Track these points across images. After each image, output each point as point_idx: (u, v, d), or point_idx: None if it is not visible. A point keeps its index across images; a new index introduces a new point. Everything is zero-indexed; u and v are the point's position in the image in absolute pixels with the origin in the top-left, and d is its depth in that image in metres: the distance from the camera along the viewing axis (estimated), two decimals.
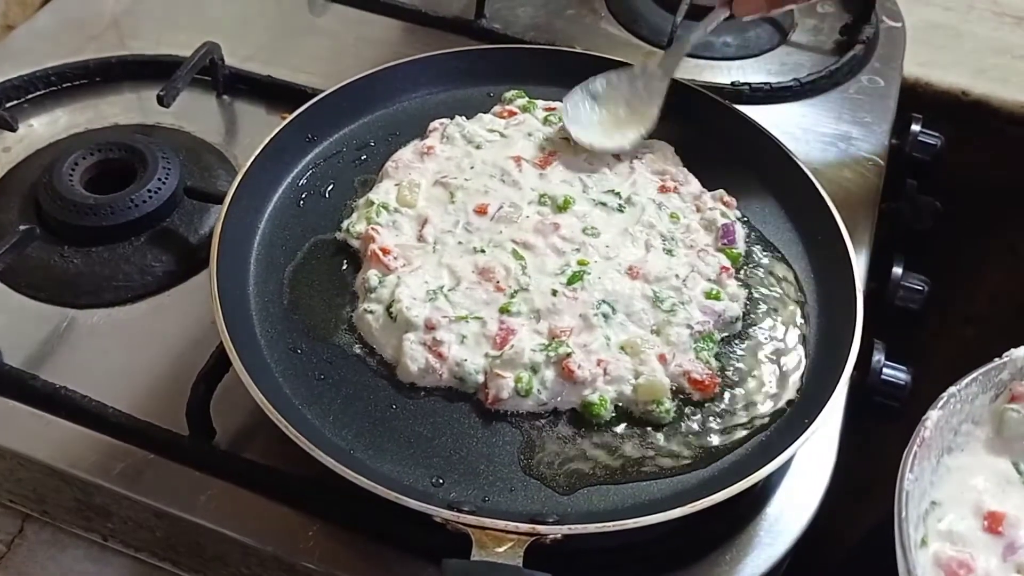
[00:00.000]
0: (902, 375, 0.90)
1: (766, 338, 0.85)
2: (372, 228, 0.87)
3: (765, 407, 0.80)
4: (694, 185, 0.96)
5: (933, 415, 0.71)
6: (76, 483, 0.78)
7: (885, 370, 0.89)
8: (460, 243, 0.87)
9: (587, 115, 0.99)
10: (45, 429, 0.80)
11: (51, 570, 0.81)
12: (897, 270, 1.01)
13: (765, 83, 1.16)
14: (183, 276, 0.93)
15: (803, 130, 1.14)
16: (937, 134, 1.18)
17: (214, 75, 1.10)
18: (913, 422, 0.88)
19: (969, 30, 1.41)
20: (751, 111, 1.05)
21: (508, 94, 1.04)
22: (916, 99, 1.29)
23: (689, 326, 0.82)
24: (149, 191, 0.94)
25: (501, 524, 0.66)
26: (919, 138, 1.17)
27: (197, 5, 1.27)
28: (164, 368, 0.85)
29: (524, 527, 0.66)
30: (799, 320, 0.87)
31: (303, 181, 0.96)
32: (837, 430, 0.84)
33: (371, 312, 0.82)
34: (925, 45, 1.34)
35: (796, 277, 0.90)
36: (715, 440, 0.78)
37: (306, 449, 0.70)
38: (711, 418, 0.79)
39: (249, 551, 0.75)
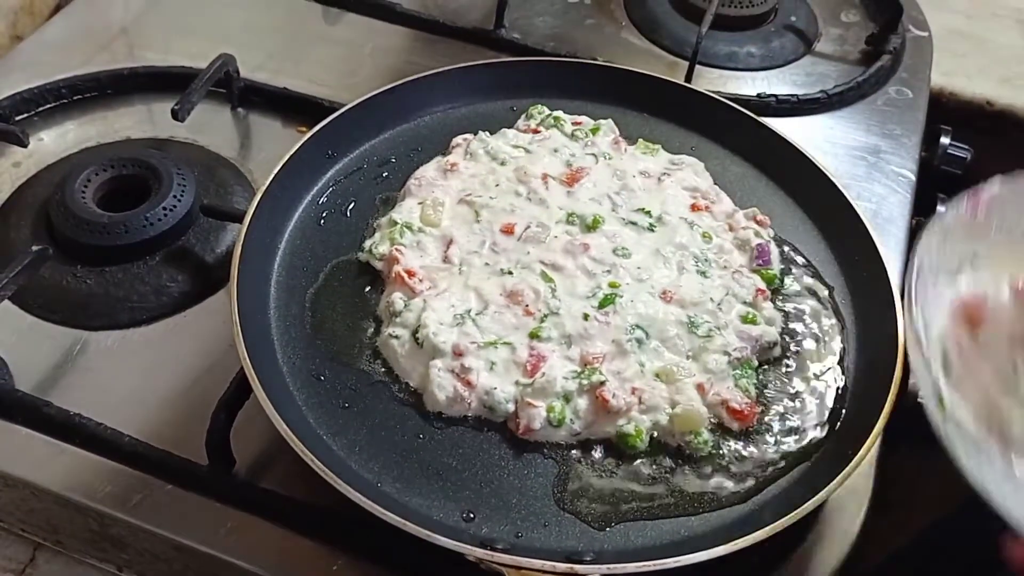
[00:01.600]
0: None
1: (804, 364, 0.83)
2: (396, 249, 0.85)
3: (806, 437, 0.78)
4: (726, 203, 0.94)
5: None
6: (91, 514, 0.76)
7: None
8: (487, 264, 0.85)
9: None
10: (58, 458, 0.78)
11: None
12: None
13: (792, 95, 1.14)
14: (199, 296, 0.90)
15: (831, 143, 1.12)
16: (967, 147, 1.16)
17: (229, 87, 1.08)
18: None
19: (993, 38, 1.38)
20: (778, 123, 1.03)
21: (533, 109, 1.02)
22: (940, 109, 1.27)
23: (727, 353, 0.80)
24: (164, 209, 0.92)
25: (538, 564, 0.64)
26: (949, 151, 1.14)
27: (207, 14, 1.25)
28: (181, 393, 0.83)
29: (561, 567, 0.64)
30: (838, 343, 0.84)
31: (323, 199, 0.94)
32: (874, 457, 0.81)
33: (396, 337, 0.80)
34: (948, 54, 1.32)
35: (833, 298, 0.88)
36: (755, 471, 0.75)
37: (333, 483, 0.67)
38: (749, 449, 0.77)
39: None
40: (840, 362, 0.83)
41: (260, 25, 1.24)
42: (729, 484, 0.74)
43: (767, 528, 0.67)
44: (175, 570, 0.77)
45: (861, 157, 1.10)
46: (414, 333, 0.79)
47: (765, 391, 0.80)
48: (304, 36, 1.23)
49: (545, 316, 0.81)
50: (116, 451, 0.77)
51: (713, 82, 1.17)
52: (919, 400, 0.78)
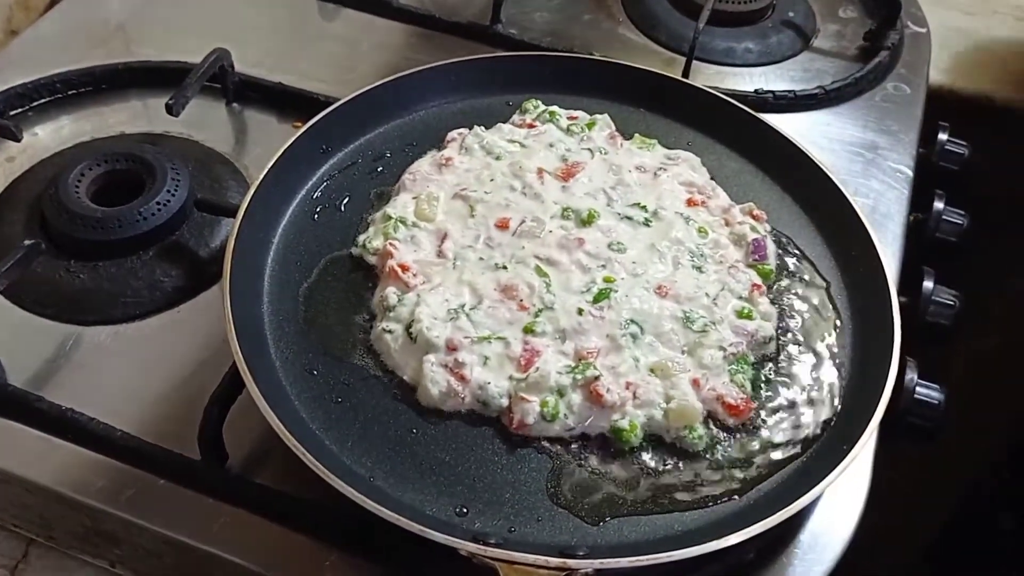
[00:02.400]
0: (935, 394, 0.87)
1: (800, 358, 0.82)
2: (390, 244, 0.85)
3: (801, 431, 0.78)
4: (722, 198, 0.93)
5: None
6: (83, 509, 0.76)
7: (918, 389, 0.86)
8: (481, 259, 0.85)
9: None
10: (51, 453, 0.77)
11: None
12: (928, 284, 0.98)
13: (789, 91, 1.13)
14: (193, 292, 0.90)
15: (828, 139, 1.11)
16: (964, 143, 1.15)
17: (224, 82, 1.08)
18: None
19: (992, 35, 1.38)
20: (775, 119, 1.02)
21: (527, 103, 1.02)
22: (939, 105, 1.26)
23: (722, 348, 0.79)
24: (158, 203, 0.92)
25: (531, 558, 0.64)
26: (946, 147, 1.14)
27: (204, 10, 1.25)
28: (174, 388, 0.83)
29: (554, 561, 0.64)
30: (833, 339, 0.84)
31: (317, 194, 0.93)
32: (871, 453, 0.81)
33: (390, 332, 0.79)
34: (947, 50, 1.32)
35: (829, 293, 0.87)
36: (749, 467, 0.75)
37: (325, 478, 0.67)
38: (745, 444, 0.76)
39: None
40: (836, 357, 0.83)
41: (258, 21, 1.24)
42: (724, 479, 0.74)
43: (761, 523, 0.67)
44: (167, 565, 0.77)
45: (858, 153, 1.10)
46: (407, 328, 0.79)
47: (761, 386, 0.80)
48: (301, 32, 1.23)
49: (539, 311, 0.80)
50: (108, 446, 0.77)
51: (710, 78, 1.17)
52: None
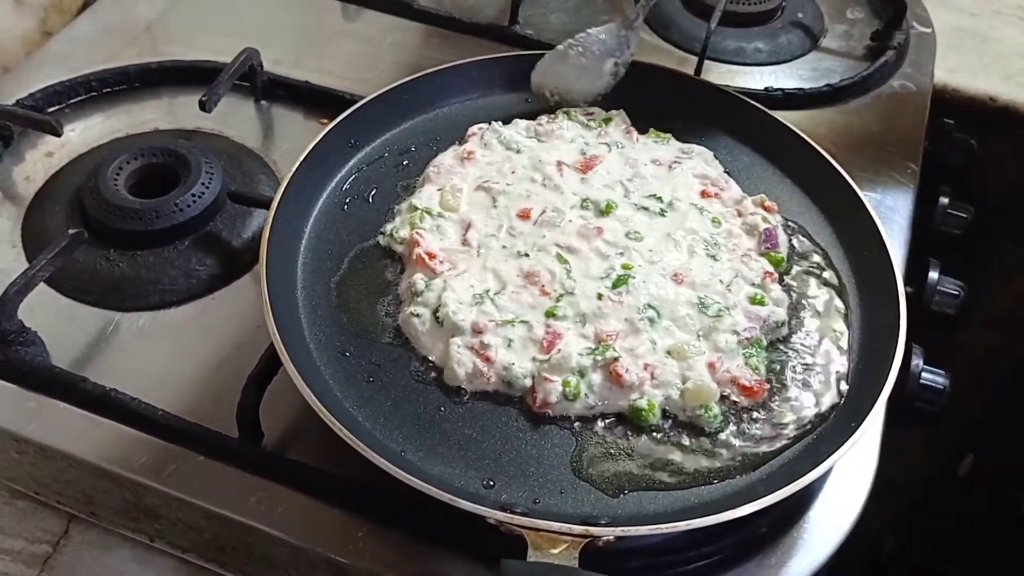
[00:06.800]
0: (940, 379, 0.90)
1: (811, 342, 0.86)
2: (416, 233, 0.88)
3: (811, 411, 0.80)
4: (735, 190, 0.97)
5: None
6: (127, 484, 0.79)
7: (924, 375, 0.89)
8: (504, 247, 0.88)
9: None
10: (95, 431, 0.80)
11: (96, 571, 0.81)
12: (933, 275, 1.01)
13: (798, 88, 1.17)
14: (227, 280, 0.93)
15: (837, 135, 1.14)
16: (969, 139, 1.18)
17: (253, 81, 1.11)
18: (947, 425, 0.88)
19: (996, 35, 1.41)
20: (784, 116, 1.05)
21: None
22: (943, 104, 1.29)
23: (736, 332, 0.82)
24: (193, 195, 0.95)
25: (556, 526, 0.67)
26: (951, 144, 1.17)
27: (229, 10, 1.28)
28: (209, 371, 0.86)
29: (578, 529, 0.67)
30: (842, 324, 0.87)
31: (347, 186, 0.97)
32: (878, 434, 0.84)
33: (417, 316, 0.83)
34: (952, 50, 1.34)
35: (839, 280, 0.90)
36: (762, 445, 0.78)
37: (360, 452, 0.70)
38: (758, 423, 0.79)
39: (299, 552, 0.76)
40: (845, 341, 0.86)
41: (280, 22, 1.27)
42: (737, 455, 0.77)
43: (773, 495, 0.69)
44: (206, 539, 0.80)
45: (865, 149, 1.12)
46: (435, 312, 0.82)
47: (774, 368, 0.83)
48: (324, 32, 1.26)
49: (561, 296, 0.84)
50: (151, 424, 0.80)
51: (722, 76, 1.20)
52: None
